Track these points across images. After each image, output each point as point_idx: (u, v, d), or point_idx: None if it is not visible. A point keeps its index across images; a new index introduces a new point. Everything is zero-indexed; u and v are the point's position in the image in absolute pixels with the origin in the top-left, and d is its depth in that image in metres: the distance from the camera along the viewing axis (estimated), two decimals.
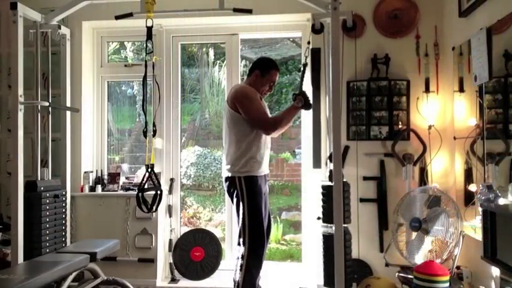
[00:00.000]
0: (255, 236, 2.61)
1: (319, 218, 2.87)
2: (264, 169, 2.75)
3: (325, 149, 3.19)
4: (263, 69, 2.79)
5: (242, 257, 2.61)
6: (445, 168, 3.10)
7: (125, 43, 5.06)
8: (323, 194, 2.78)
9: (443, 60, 3.12)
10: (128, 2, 2.88)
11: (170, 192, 3.56)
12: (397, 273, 2.83)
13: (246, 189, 2.63)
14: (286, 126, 2.76)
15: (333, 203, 2.48)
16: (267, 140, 2.78)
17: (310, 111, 3.14)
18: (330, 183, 2.71)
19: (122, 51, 5.30)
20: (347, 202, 2.75)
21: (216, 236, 3.50)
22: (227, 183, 2.73)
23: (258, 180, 2.66)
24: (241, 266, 2.60)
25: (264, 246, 2.68)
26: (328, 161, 3.00)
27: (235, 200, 2.69)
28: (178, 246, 3.46)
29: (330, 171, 2.72)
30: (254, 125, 2.63)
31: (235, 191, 2.66)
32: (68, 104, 3.36)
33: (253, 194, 2.63)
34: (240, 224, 2.65)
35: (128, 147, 5.07)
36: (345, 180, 2.75)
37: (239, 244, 2.65)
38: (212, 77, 6.52)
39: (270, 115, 2.81)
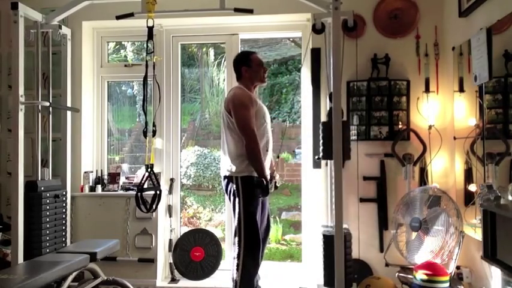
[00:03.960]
0: (250, 236, 2.62)
1: (318, 159, 2.85)
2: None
3: None
4: (245, 61, 2.81)
5: (238, 257, 2.62)
6: (445, 168, 3.10)
7: (125, 43, 5.06)
8: (322, 130, 2.75)
9: (443, 60, 3.12)
10: (128, 2, 2.88)
11: (170, 192, 3.56)
12: (397, 273, 2.83)
13: (242, 189, 2.64)
14: (254, 162, 2.62)
15: (334, 210, 2.51)
16: (267, 142, 2.77)
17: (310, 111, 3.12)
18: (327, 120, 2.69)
19: (121, 51, 5.30)
20: (347, 139, 2.74)
21: (216, 236, 3.50)
22: (225, 181, 2.74)
23: (252, 181, 2.66)
24: (237, 265, 2.62)
25: (259, 246, 2.67)
26: (328, 100, 2.92)
27: (232, 199, 2.70)
28: (178, 246, 3.46)
29: (330, 108, 2.68)
30: (240, 132, 2.62)
31: (232, 190, 2.67)
32: (68, 104, 3.37)
33: (249, 194, 2.64)
34: (235, 224, 2.66)
35: (128, 147, 5.07)
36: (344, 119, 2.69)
37: (234, 244, 2.66)
38: (212, 77, 6.52)
39: (268, 123, 2.79)
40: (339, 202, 2.57)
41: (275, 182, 2.85)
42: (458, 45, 2.85)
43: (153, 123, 2.69)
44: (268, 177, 2.72)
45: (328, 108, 2.87)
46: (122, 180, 3.64)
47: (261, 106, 2.78)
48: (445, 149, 3.05)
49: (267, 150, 2.78)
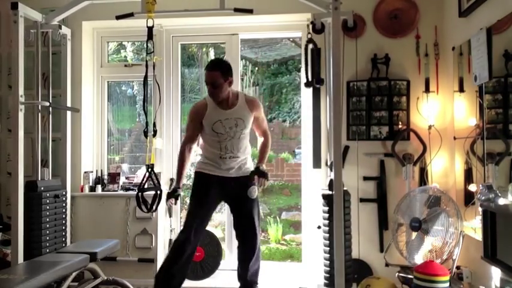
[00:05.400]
0: (184, 223, 2.73)
1: (319, 227, 2.89)
2: (218, 171, 2.71)
3: (325, 149, 3.19)
4: None
5: None
6: (445, 168, 3.10)
7: (125, 43, 5.06)
8: (324, 204, 2.82)
9: (443, 60, 3.12)
10: (128, 2, 2.88)
11: None
12: (397, 273, 2.83)
13: (193, 182, 2.82)
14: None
15: (334, 209, 2.54)
16: (222, 150, 2.69)
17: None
18: (330, 192, 2.72)
19: (121, 51, 5.30)
20: (347, 212, 2.76)
21: (216, 236, 3.50)
22: None
23: (202, 177, 2.75)
24: None
25: (183, 239, 2.65)
26: (328, 170, 3.00)
27: None
28: None
29: (330, 180, 2.72)
30: None
31: None
32: (68, 104, 3.36)
33: (193, 187, 2.79)
34: None
35: (127, 147, 5.06)
36: (345, 188, 2.76)
37: None
38: None
39: (224, 134, 2.68)
40: (339, 202, 2.57)
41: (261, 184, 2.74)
42: (458, 45, 2.85)
43: (154, 123, 2.69)
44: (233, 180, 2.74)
45: (329, 178, 2.88)
46: (122, 180, 3.63)
47: (210, 116, 2.68)
48: (445, 149, 3.05)
49: (225, 158, 2.69)
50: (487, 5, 2.47)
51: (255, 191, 2.75)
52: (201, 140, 2.83)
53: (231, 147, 2.70)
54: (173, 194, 2.72)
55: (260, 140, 2.93)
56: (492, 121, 2.44)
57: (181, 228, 2.77)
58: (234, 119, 2.69)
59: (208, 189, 2.72)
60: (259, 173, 2.71)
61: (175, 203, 2.80)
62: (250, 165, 2.83)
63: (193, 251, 2.73)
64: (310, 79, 3.05)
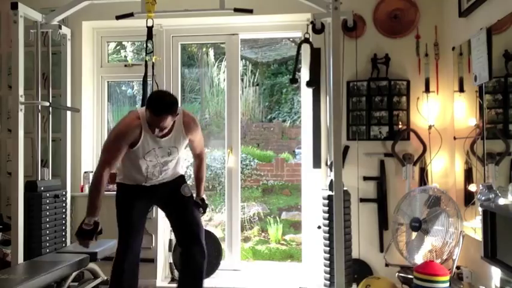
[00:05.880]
0: (119, 240, 2.56)
1: (319, 227, 2.89)
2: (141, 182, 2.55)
3: (325, 149, 3.19)
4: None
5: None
6: (445, 168, 3.10)
7: (125, 43, 5.06)
8: (324, 204, 2.83)
9: (443, 60, 3.12)
10: (128, 2, 2.88)
11: None
12: (397, 273, 2.83)
13: (116, 193, 2.63)
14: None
15: (333, 209, 2.55)
16: (147, 174, 2.51)
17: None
18: (330, 193, 2.74)
19: (121, 51, 5.31)
20: (347, 212, 2.77)
21: (216, 236, 3.50)
22: None
23: (126, 188, 2.61)
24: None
25: (124, 248, 2.52)
26: (328, 170, 3.01)
27: None
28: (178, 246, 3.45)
29: (331, 180, 2.72)
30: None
31: None
32: (68, 104, 3.37)
33: (118, 198, 2.63)
34: None
35: None
36: (345, 189, 2.76)
37: None
38: (212, 77, 6.52)
39: (152, 161, 2.43)
40: (339, 202, 2.57)
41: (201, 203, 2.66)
42: (458, 45, 2.85)
43: None
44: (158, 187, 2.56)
45: (329, 178, 2.90)
46: None
47: (143, 145, 2.35)
48: (445, 149, 3.05)
49: (148, 181, 2.54)
50: (487, 5, 2.47)
51: (189, 188, 2.59)
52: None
53: (158, 174, 2.50)
54: (96, 231, 2.37)
55: (195, 163, 2.71)
56: (492, 121, 2.44)
57: (118, 246, 2.52)
58: (168, 148, 2.40)
59: (134, 198, 2.56)
60: (202, 206, 2.64)
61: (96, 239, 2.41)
62: (180, 170, 2.64)
63: (137, 266, 2.57)
64: (295, 76, 3.07)
